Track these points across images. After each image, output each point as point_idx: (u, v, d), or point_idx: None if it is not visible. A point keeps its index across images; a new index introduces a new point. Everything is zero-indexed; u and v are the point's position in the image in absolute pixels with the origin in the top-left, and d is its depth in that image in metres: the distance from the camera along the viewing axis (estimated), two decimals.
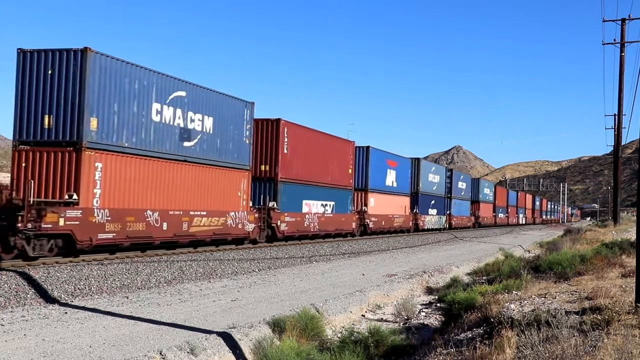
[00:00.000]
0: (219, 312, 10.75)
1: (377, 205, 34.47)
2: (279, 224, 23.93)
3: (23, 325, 9.13)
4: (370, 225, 33.17)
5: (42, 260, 14.50)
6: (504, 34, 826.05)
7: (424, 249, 29.86)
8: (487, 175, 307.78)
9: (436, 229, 46.67)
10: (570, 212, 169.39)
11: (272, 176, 23.89)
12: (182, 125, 18.57)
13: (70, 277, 13.05)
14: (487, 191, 67.46)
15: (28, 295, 11.44)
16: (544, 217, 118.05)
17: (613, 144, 46.45)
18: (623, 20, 40.42)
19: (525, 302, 9.69)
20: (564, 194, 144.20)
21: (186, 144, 18.82)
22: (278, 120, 24.11)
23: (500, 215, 73.81)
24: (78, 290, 12.36)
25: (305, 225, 26.08)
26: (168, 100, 17.98)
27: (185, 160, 18.74)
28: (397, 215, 37.75)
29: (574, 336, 6.31)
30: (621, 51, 40.07)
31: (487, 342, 6.86)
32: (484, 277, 17.50)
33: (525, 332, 6.61)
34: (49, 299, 11.54)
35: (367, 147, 33.25)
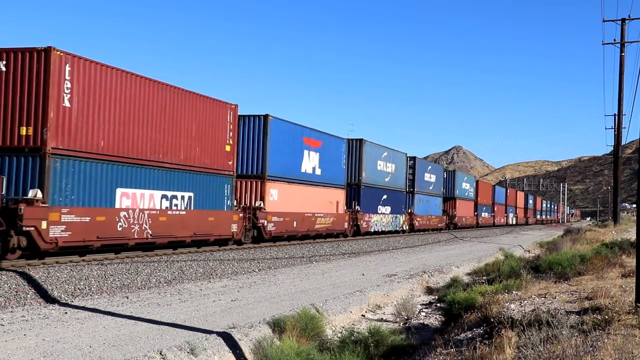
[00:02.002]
0: (219, 312, 10.75)
1: (284, 199, 24.95)
2: (45, 229, 13.91)
3: (23, 325, 9.13)
4: (269, 227, 23.57)
5: (42, 260, 14.50)
6: (503, 33, 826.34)
7: (424, 249, 29.86)
8: (487, 175, 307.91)
9: (389, 232, 37.61)
10: (568, 212, 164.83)
11: (36, 145, 14.15)
12: None
13: (70, 277, 13.05)
14: (465, 186, 57.48)
15: (28, 295, 11.44)
16: (538, 217, 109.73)
17: (613, 144, 46.50)
18: (623, 20, 40.45)
19: (526, 302, 9.69)
20: (564, 194, 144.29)
21: None
22: (48, 51, 14.20)
23: (484, 214, 64.59)
24: (78, 290, 12.37)
25: (120, 228, 16.22)
26: None
27: None
28: (321, 214, 28.21)
29: (574, 336, 6.32)
30: (621, 51, 40.09)
31: (487, 342, 6.86)
32: (484, 277, 17.50)
33: (526, 332, 6.62)
34: (49, 299, 11.54)
35: (265, 117, 23.82)
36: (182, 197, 19.08)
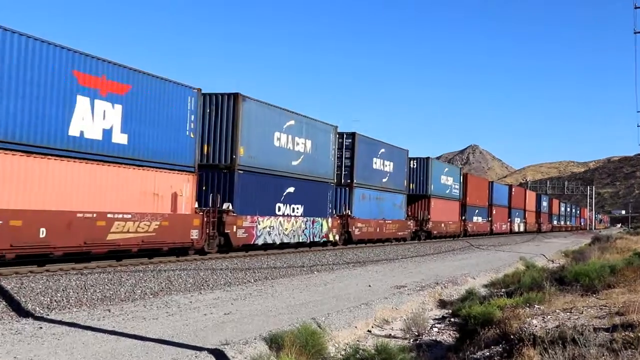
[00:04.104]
0: (210, 326, 10.74)
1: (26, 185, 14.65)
2: None
3: None
4: None
5: (15, 269, 14.50)
6: (522, 19, 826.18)
7: (436, 257, 29.84)
8: (505, 177, 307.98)
9: (300, 245, 27.46)
10: (595, 218, 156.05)
11: None
12: None
13: (46, 288, 13.04)
14: (446, 180, 46.50)
15: None
16: (555, 222, 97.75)
17: None
18: None
19: (549, 317, 9.66)
20: (592, 198, 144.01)
21: None
22: None
23: (476, 219, 54.77)
24: (55, 303, 12.35)
25: None
26: None
27: None
28: (125, 216, 17.09)
29: (603, 355, 6.28)
30: None
31: None
32: (503, 290, 17.47)
33: (549, 351, 6.59)
34: (22, 312, 11.53)
35: None
36: None
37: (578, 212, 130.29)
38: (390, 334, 12.74)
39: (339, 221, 30.37)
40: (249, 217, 22.74)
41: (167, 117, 19.24)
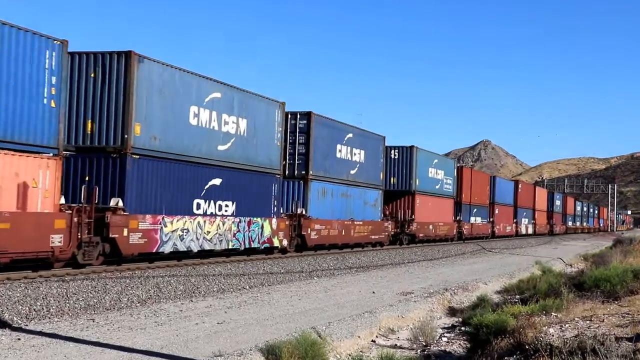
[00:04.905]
0: (202, 337, 10.74)
1: None
2: None
3: None
4: None
5: None
6: (540, 9, 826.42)
7: (445, 262, 29.86)
8: (520, 174, 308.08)
9: (231, 253, 23.88)
10: (616, 218, 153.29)
11: None
12: None
13: (24, 296, 13.04)
14: (435, 173, 42.75)
15: None
16: (570, 224, 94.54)
17: None
18: None
19: (567, 325, 9.67)
20: (613, 197, 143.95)
21: None
22: None
23: (475, 220, 51.28)
24: (34, 312, 12.35)
25: None
26: None
27: None
28: None
29: None
30: None
31: None
32: (517, 296, 17.48)
33: None
34: None
35: None
36: None
37: (596, 212, 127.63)
38: (396, 344, 12.74)
39: (287, 222, 26.22)
40: (148, 216, 18.98)
41: (8, 77, 15.22)
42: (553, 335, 8.73)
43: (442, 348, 12.59)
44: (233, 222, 22.70)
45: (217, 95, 21.88)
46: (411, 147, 39.12)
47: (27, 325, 11.47)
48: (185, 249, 20.49)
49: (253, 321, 12.39)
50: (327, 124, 29.74)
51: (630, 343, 7.52)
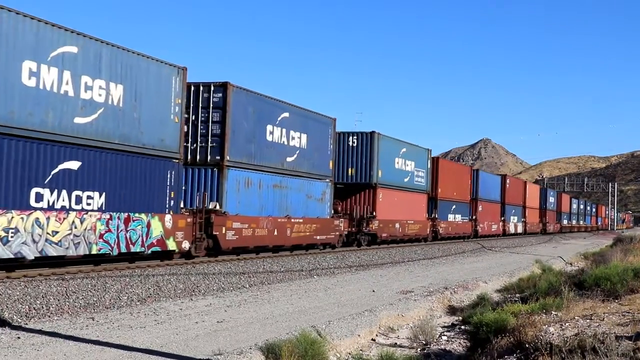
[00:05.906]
0: (202, 335, 10.75)
1: None
2: None
3: None
4: None
5: None
6: (539, 7, 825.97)
7: (445, 260, 29.89)
8: (520, 173, 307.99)
9: (108, 260, 18.60)
10: (616, 217, 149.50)
11: None
12: None
13: (24, 294, 13.05)
14: (404, 165, 37.89)
15: None
16: (565, 222, 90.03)
17: None
18: None
19: (567, 324, 9.68)
20: (613, 196, 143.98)
21: None
22: None
23: (454, 217, 46.32)
24: (34, 311, 12.36)
25: None
26: None
27: None
28: None
29: None
30: None
31: None
32: (517, 295, 17.50)
33: None
34: None
35: None
36: None
37: (594, 210, 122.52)
38: (395, 343, 12.76)
39: (190, 219, 20.68)
40: None
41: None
42: (553, 334, 8.74)
43: (442, 347, 12.60)
44: (99, 219, 17.14)
45: (72, 49, 16.40)
46: (372, 133, 33.85)
47: (26, 323, 11.48)
48: (13, 256, 14.77)
49: (253, 320, 12.41)
50: (252, 98, 23.98)
51: (630, 342, 7.53)
